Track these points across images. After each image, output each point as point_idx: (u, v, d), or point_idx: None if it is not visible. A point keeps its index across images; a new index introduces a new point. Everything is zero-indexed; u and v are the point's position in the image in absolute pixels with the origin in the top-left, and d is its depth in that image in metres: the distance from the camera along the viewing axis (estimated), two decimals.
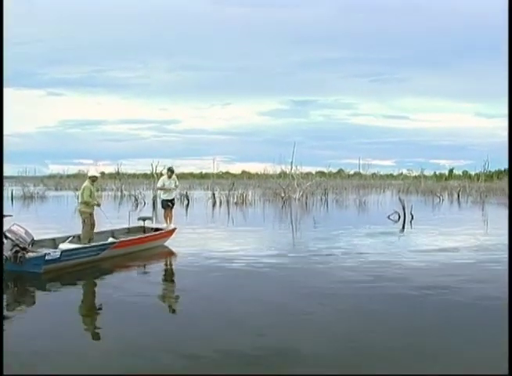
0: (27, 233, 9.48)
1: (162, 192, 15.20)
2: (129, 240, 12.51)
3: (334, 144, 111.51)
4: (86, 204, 11.94)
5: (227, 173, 59.21)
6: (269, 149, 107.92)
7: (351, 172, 65.57)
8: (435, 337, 6.13)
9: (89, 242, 11.75)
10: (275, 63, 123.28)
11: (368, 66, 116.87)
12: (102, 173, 57.55)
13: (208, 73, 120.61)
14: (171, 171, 15.10)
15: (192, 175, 67.22)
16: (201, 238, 15.77)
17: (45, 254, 9.78)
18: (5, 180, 60.23)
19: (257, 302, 7.86)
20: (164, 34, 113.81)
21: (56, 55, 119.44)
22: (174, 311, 7.78)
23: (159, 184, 15.05)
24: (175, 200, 15.47)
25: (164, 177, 15.05)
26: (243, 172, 65.20)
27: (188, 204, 35.35)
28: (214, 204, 35.12)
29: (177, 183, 15.10)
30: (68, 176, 61.26)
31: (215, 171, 60.13)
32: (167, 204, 14.95)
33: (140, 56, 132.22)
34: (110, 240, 12.26)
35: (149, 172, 42.03)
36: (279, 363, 5.34)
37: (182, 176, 58.21)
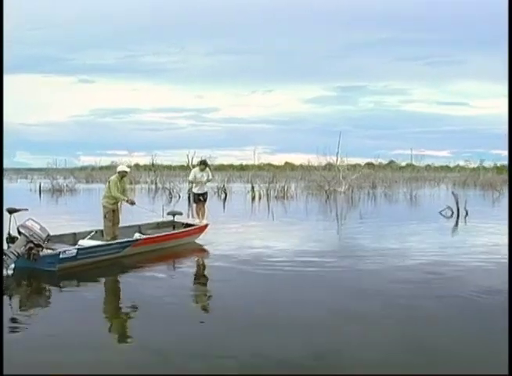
0: (42, 228, 9.45)
1: (193, 185, 15.22)
2: (154, 237, 12.44)
3: (384, 133, 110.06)
4: (110, 198, 11.95)
5: (268, 165, 59.21)
6: (314, 139, 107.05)
7: (403, 164, 64.59)
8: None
9: (114, 238, 11.74)
10: (320, 46, 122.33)
11: (421, 48, 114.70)
12: (137, 165, 58.34)
13: (249, 57, 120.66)
14: (203, 163, 15.08)
15: (231, 167, 67.51)
16: (237, 235, 15.72)
17: (60, 253, 9.73)
18: (33, 173, 62.00)
19: (304, 305, 7.58)
20: (201, 17, 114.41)
21: (88, 39, 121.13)
22: (206, 315, 7.51)
23: (190, 177, 15.04)
24: (207, 194, 15.39)
25: (196, 169, 15.02)
26: (286, 164, 65.16)
27: (225, 198, 35.54)
28: (253, 198, 35.21)
29: (210, 176, 14.99)
30: (100, 168, 62.09)
31: (256, 163, 59.95)
32: (199, 199, 14.95)
33: (177, 40, 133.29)
34: (136, 236, 12.22)
35: (185, 164, 41.93)
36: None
37: (220, 168, 58.75)
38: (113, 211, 12.17)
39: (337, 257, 11.81)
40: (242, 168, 70.42)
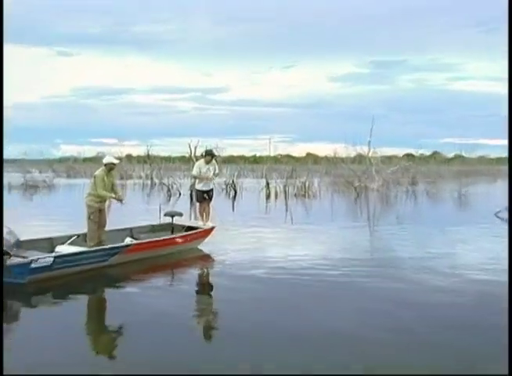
0: (10, 232, 9.31)
1: (197, 181, 15.25)
2: (148, 243, 12.40)
3: (427, 119, 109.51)
4: (95, 196, 11.93)
5: (287, 156, 59.17)
6: (342, 125, 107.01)
7: (450, 155, 64.29)
8: None
9: (99, 244, 11.68)
10: (351, 14, 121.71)
11: (476, 12, 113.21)
12: (129, 156, 58.40)
13: (265, 26, 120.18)
14: (209, 154, 15.05)
15: (242, 159, 67.44)
16: (249, 241, 15.73)
17: (31, 261, 9.51)
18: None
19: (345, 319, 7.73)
20: None
21: (68, 3, 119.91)
22: (207, 336, 7.45)
23: (194, 171, 15.01)
24: (213, 191, 15.45)
25: (201, 162, 15.01)
26: (308, 155, 65.09)
27: (235, 196, 35.85)
28: (268, 196, 35.49)
29: (217, 170, 15.05)
30: (84, 160, 62.22)
31: (272, 154, 59.85)
32: (203, 197, 14.96)
33: (176, 5, 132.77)
34: (127, 241, 12.21)
35: (187, 155, 41.77)
36: None
37: (229, 160, 58.82)
38: (100, 210, 12.09)
39: (370, 266, 11.97)
40: (255, 160, 70.70)
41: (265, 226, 19.25)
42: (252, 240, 15.72)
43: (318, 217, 23.27)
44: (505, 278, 10.50)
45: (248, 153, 76.77)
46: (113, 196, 12.33)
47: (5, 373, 5.01)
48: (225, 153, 53.51)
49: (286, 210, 25.57)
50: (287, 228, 19.29)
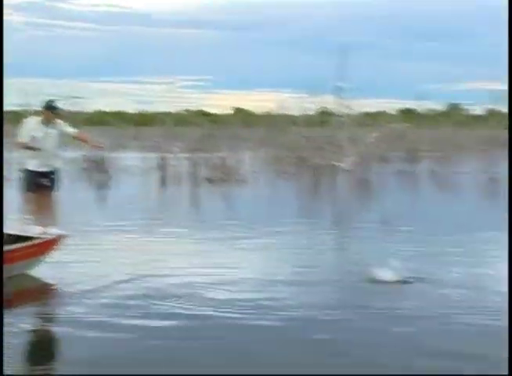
0: None
1: (30, 155, 14.28)
2: None
3: (441, 48, 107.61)
4: None
5: (199, 113, 57.45)
6: (293, 59, 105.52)
7: (478, 111, 62.22)
8: None
9: None
10: None
11: None
12: None
13: None
14: (49, 108, 14.13)
15: (117, 118, 65.29)
16: (127, 256, 15.24)
17: None
18: None
19: None
20: None
21: None
22: None
23: (22, 136, 14.04)
24: (58, 174, 14.55)
25: (34, 121, 14.26)
26: (236, 112, 63.23)
27: (106, 182, 34.91)
28: (163, 181, 35.08)
29: (65, 135, 14.46)
30: None
31: (173, 110, 58.41)
32: (40, 183, 14.06)
33: None
34: None
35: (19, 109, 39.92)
36: None
37: (93, 121, 56.83)
38: None
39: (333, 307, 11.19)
40: (143, 120, 68.63)
41: (159, 231, 18.72)
42: (131, 256, 15.14)
43: (250, 216, 22.52)
44: None
45: (128, 109, 74.28)
46: None
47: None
48: (86, 109, 51.43)
49: (196, 204, 26.19)
50: (196, 234, 18.71)
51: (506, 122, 56.20)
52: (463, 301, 11.45)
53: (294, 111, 47.11)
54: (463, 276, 13.27)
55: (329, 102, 42.33)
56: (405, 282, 12.45)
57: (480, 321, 10.28)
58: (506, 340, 8.05)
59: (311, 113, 45.49)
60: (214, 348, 9.13)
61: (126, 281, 12.32)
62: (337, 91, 40.99)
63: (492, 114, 59.63)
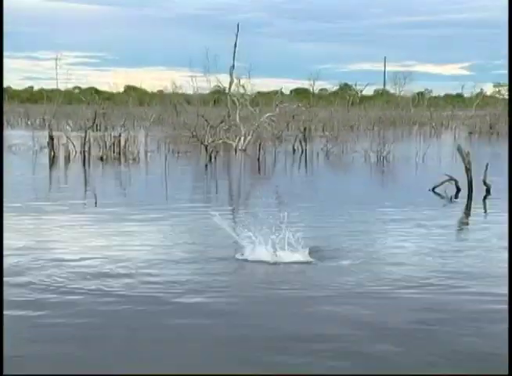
0: None
1: None
2: None
3: (333, 28, 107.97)
4: None
5: (91, 91, 56.77)
6: (186, 36, 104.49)
7: (369, 92, 62.88)
8: None
9: None
10: None
11: None
12: None
13: None
14: None
15: (9, 96, 64.87)
16: (18, 236, 14.94)
17: None
18: None
19: None
20: None
21: None
22: None
23: None
24: None
25: None
26: (128, 90, 62.45)
27: None
28: (52, 160, 34.77)
29: None
30: None
31: (63, 87, 57.58)
32: None
33: None
34: None
35: None
36: None
37: None
38: None
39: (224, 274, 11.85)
40: (29, 97, 67.02)
41: (45, 211, 18.62)
42: (18, 238, 14.70)
43: (143, 195, 22.73)
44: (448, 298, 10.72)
45: (16, 84, 73.05)
46: None
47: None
48: None
49: (86, 183, 26.17)
50: (86, 214, 18.86)
51: (396, 104, 57.50)
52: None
53: (189, 90, 47.08)
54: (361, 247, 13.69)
55: (224, 81, 42.25)
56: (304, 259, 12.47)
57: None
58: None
59: (206, 92, 45.33)
60: None
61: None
62: (230, 70, 41.68)
63: (380, 94, 60.22)
